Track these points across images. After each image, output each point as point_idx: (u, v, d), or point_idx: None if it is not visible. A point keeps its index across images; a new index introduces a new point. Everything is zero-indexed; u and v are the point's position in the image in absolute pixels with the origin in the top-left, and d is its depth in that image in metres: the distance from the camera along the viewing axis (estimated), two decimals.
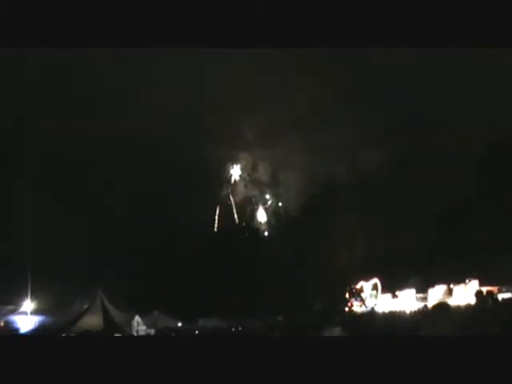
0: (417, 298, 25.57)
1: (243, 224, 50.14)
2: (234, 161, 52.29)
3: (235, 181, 53.24)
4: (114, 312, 24.34)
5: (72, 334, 17.79)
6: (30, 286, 26.49)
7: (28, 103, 37.26)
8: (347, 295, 31.33)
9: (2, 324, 24.28)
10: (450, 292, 24.04)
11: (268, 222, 50.53)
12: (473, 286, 22.05)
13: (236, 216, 50.81)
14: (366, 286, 31.05)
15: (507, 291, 19.06)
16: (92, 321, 22.26)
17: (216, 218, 50.21)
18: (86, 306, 25.35)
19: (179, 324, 28.16)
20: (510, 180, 28.32)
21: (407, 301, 25.35)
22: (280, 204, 49.75)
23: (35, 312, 26.51)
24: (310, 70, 37.84)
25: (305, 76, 38.93)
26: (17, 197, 35.11)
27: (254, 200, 51.86)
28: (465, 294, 21.48)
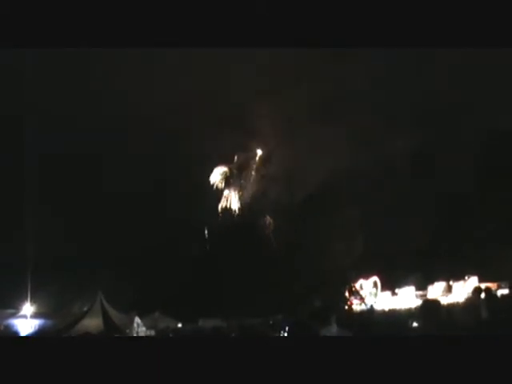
0: (416, 296, 25.68)
1: (243, 222, 49.95)
2: (236, 155, 51.79)
3: (233, 179, 53.07)
4: (113, 313, 24.31)
5: (72, 336, 17.71)
6: (29, 289, 26.45)
7: (27, 103, 37.05)
8: (347, 293, 31.36)
9: (2, 328, 24.19)
10: (449, 289, 24.18)
11: (268, 219, 50.41)
12: (472, 282, 22.17)
13: (236, 213, 50.64)
14: (366, 283, 31.11)
15: (506, 287, 19.12)
16: (92, 323, 22.20)
17: (217, 215, 49.97)
18: (85, 309, 25.31)
19: (179, 325, 28.08)
20: (509, 176, 28.45)
21: (407, 298, 25.45)
22: (279, 201, 49.59)
23: (35, 315, 26.41)
24: (312, 69, 37.64)
25: (306, 73, 38.71)
26: (16, 198, 35.00)
27: (252, 197, 51.75)
28: (464, 290, 21.60)
